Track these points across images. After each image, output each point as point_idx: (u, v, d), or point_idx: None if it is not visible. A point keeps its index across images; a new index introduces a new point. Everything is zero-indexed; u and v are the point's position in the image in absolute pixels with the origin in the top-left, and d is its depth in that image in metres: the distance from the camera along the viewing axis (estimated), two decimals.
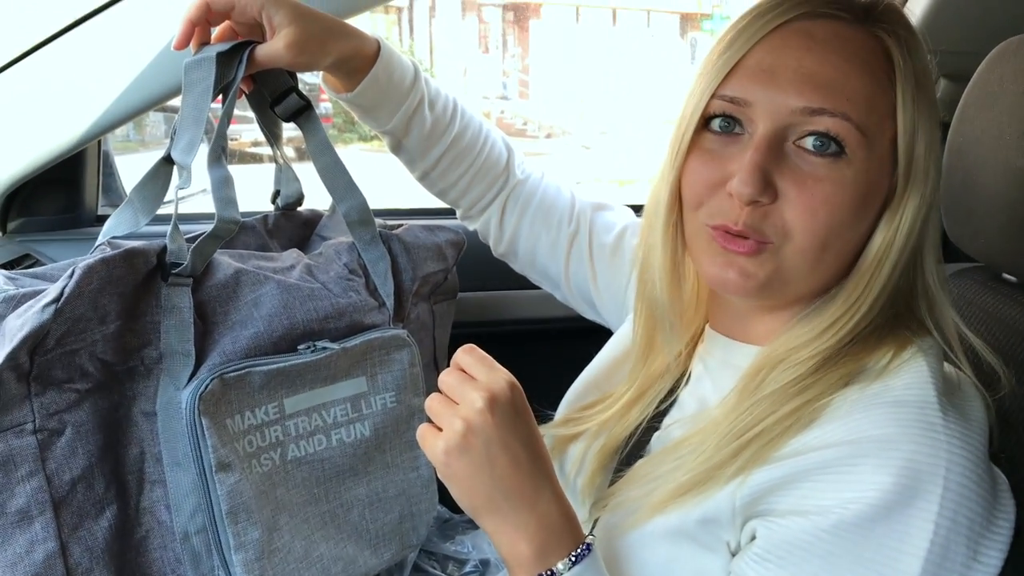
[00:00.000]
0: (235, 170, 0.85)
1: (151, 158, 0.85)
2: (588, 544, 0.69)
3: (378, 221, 0.97)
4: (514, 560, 0.68)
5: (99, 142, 1.37)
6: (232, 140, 0.91)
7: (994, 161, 0.85)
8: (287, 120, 0.97)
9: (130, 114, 1.13)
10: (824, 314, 0.71)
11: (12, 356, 0.70)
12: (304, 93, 0.94)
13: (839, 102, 0.66)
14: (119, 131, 1.47)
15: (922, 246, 0.71)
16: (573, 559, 0.67)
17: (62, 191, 1.35)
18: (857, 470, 0.62)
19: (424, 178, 1.04)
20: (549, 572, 0.67)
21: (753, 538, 0.67)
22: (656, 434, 0.82)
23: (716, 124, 0.71)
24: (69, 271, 0.72)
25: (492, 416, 0.66)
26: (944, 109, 1.30)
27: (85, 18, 1.06)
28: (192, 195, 1.33)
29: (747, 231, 0.67)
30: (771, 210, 0.67)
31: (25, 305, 0.72)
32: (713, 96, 0.70)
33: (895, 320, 0.71)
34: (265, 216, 1.03)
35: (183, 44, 0.85)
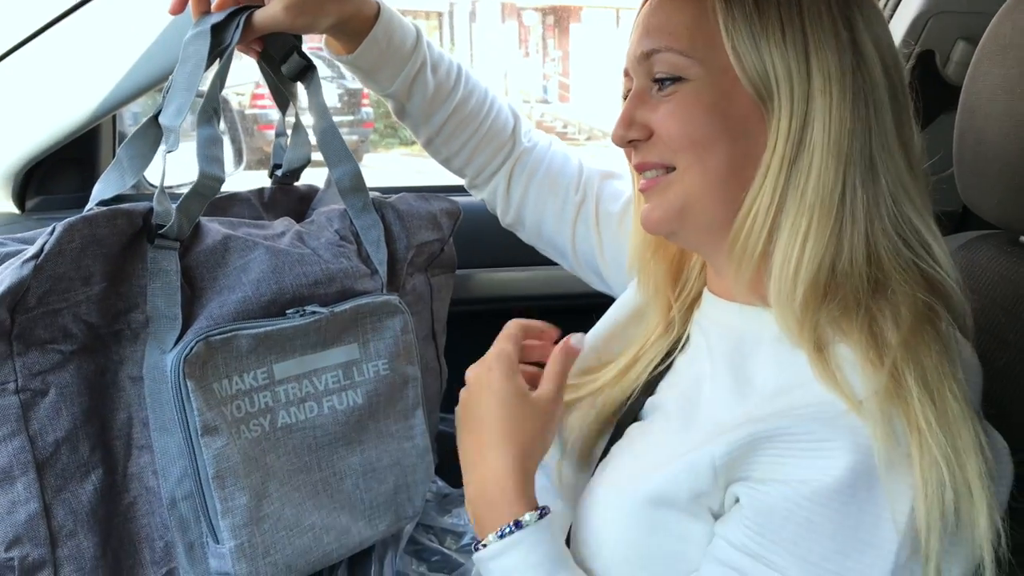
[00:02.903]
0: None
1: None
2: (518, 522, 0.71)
3: (374, 194, 0.96)
4: None
5: (114, 121, 1.38)
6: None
7: (1007, 117, 0.81)
8: (293, 80, 0.97)
9: (138, 91, 1.14)
10: None
11: None
12: (307, 53, 0.95)
13: (663, 39, 0.73)
14: (139, 112, 1.49)
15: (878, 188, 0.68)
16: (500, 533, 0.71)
17: (78, 170, 1.37)
18: (831, 435, 0.61)
19: (429, 144, 1.03)
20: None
21: (736, 501, 0.66)
22: (650, 399, 0.80)
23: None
24: (50, 228, 0.72)
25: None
26: (961, 73, 1.26)
27: None
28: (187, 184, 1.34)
29: (642, 164, 0.76)
30: (652, 143, 0.75)
31: (6, 263, 0.72)
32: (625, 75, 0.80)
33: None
34: (261, 189, 1.02)
35: (178, 9, 0.86)
